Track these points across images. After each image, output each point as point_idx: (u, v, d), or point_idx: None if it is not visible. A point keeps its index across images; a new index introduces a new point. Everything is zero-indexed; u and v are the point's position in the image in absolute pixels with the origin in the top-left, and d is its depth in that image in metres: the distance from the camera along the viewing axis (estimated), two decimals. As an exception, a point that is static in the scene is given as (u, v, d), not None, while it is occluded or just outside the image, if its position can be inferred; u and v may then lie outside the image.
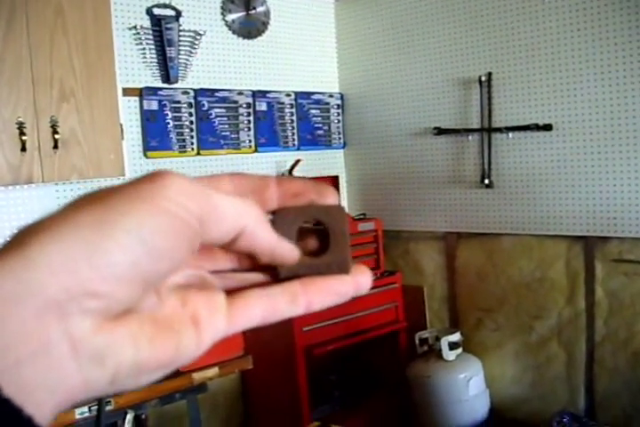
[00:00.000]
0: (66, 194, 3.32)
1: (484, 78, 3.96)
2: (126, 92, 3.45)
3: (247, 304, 0.41)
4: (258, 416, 4.07)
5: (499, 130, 3.94)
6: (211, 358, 2.92)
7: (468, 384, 3.91)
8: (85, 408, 2.55)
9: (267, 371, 3.69)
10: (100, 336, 0.34)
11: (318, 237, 0.45)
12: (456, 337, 4.02)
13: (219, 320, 0.40)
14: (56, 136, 2.84)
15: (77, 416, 2.54)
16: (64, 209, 0.35)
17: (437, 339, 4.02)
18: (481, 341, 4.19)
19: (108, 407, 2.58)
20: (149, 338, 0.37)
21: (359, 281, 0.44)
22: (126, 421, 2.66)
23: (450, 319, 4.35)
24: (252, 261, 0.44)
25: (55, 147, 2.84)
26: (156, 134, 3.67)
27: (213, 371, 2.91)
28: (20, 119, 2.77)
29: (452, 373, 3.92)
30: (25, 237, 0.34)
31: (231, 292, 0.42)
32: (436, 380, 3.90)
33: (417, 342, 4.10)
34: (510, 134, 3.90)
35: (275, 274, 0.43)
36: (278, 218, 0.43)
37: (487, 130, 3.99)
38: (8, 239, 0.34)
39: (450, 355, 3.96)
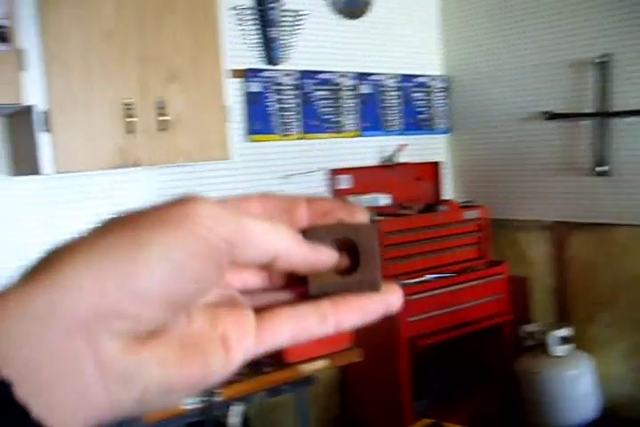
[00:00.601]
0: (172, 177, 3.25)
1: (600, 60, 3.74)
2: (229, 73, 3.36)
3: (276, 324, 0.41)
4: (356, 407, 3.96)
5: (616, 114, 3.72)
6: (319, 350, 2.81)
7: (578, 382, 3.72)
8: (193, 399, 2.46)
9: (367, 361, 3.56)
10: (127, 358, 0.35)
11: (348, 255, 0.44)
12: (566, 332, 3.83)
13: (248, 340, 0.40)
14: (163, 118, 2.76)
15: (185, 407, 2.46)
16: (96, 231, 0.36)
17: (544, 333, 3.83)
18: (592, 336, 3.98)
19: (217, 399, 2.49)
20: (177, 359, 0.37)
21: (389, 300, 0.44)
22: (234, 413, 2.57)
23: (557, 313, 4.15)
24: (281, 280, 0.44)
25: (162, 129, 2.76)
26: (258, 117, 3.58)
27: (322, 363, 2.79)
28: (127, 100, 2.69)
29: (561, 369, 3.73)
30: (57, 258, 0.34)
31: (260, 310, 0.42)
32: (546, 376, 3.72)
33: (523, 335, 3.92)
34: (629, 119, 3.68)
35: (304, 292, 0.43)
36: (308, 236, 0.42)
37: (603, 114, 3.77)
38: (40, 259, 0.35)
39: (559, 350, 3.77)
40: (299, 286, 0.43)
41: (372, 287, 0.43)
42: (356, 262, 0.44)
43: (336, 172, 3.88)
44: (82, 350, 0.33)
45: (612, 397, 3.91)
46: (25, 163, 2.76)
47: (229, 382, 2.55)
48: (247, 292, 0.43)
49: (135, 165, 2.71)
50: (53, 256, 0.35)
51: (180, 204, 0.37)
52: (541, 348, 3.83)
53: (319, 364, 2.78)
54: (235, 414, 2.58)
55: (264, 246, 0.39)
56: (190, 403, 2.46)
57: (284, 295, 0.44)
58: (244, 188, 3.50)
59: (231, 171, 3.44)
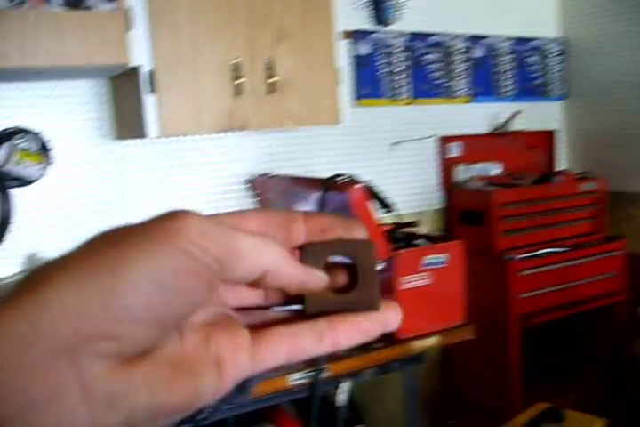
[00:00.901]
0: (278, 142, 3.14)
1: None
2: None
3: (272, 343, 0.40)
4: (459, 384, 3.82)
5: None
6: (431, 326, 2.66)
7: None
8: (299, 375, 2.36)
9: (474, 338, 3.41)
10: (112, 380, 0.34)
11: (346, 272, 0.44)
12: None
13: (242, 360, 0.39)
14: (272, 79, 2.63)
15: (291, 383, 2.36)
16: (79, 249, 0.35)
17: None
18: None
19: (324, 375, 2.38)
20: (166, 381, 0.35)
21: (388, 318, 0.43)
22: (342, 389, 2.46)
23: (678, 293, 3.90)
24: (277, 298, 0.43)
25: (270, 91, 2.64)
26: (367, 81, 3.41)
27: (433, 340, 2.65)
28: (235, 60, 2.57)
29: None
30: (39, 278, 0.34)
31: (255, 329, 0.41)
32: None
33: (642, 316, 3.70)
34: None
35: (301, 310, 0.42)
36: (305, 253, 0.42)
37: None
38: (23, 279, 0.34)
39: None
40: (295, 304, 0.43)
41: (370, 306, 0.43)
42: (354, 280, 0.43)
43: (446, 139, 3.70)
44: (65, 372, 0.33)
45: None
46: (130, 126, 2.68)
47: (338, 358, 2.44)
48: (243, 309, 0.43)
49: (242, 128, 2.60)
50: (38, 275, 0.34)
51: (169, 219, 0.36)
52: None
53: (431, 341, 2.64)
54: (342, 391, 2.46)
55: (253, 263, 0.38)
56: (296, 378, 2.36)
57: (281, 314, 0.43)
58: (352, 154, 3.36)
59: (337, 136, 3.30)
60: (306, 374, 2.36)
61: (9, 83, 2.65)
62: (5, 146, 2.65)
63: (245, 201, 3.08)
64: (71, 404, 0.33)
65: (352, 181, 2.43)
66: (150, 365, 0.35)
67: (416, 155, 3.58)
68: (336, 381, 2.47)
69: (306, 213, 0.43)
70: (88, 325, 0.33)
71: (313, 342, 0.41)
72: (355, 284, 0.43)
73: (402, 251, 2.58)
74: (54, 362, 0.32)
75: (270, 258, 0.38)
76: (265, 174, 2.99)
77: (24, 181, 2.69)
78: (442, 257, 2.65)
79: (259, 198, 3.08)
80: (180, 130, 2.56)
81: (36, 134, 2.70)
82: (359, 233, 0.43)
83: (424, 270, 2.60)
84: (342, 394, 2.46)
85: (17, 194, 2.67)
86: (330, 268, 0.43)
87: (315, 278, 0.41)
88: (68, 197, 2.76)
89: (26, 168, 2.64)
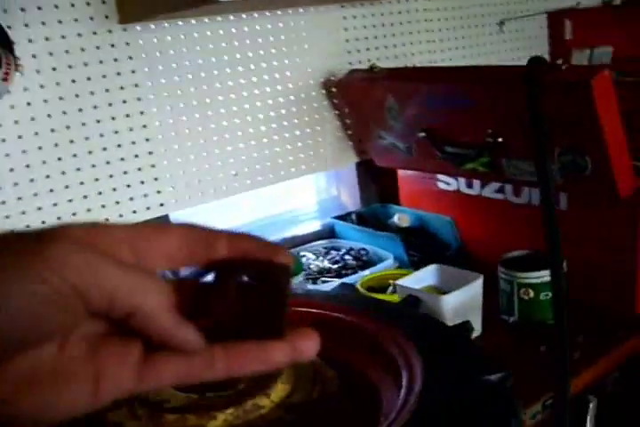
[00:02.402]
0: (365, 21, 2.02)
1: None
2: None
3: (161, 363, 0.38)
4: None
5: None
6: None
7: None
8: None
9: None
10: None
11: (257, 295, 0.41)
12: None
13: (125, 377, 0.38)
14: None
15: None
16: None
17: None
18: None
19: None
20: (12, 392, 0.34)
21: (297, 347, 0.40)
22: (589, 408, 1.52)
23: None
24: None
25: None
26: None
27: None
28: None
29: None
30: None
31: (152, 347, 0.38)
32: None
33: None
34: None
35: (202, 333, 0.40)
36: (220, 271, 0.41)
37: None
38: None
39: None
40: (199, 326, 0.39)
41: (274, 333, 0.41)
42: (262, 304, 0.40)
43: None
44: None
45: None
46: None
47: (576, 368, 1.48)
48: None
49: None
50: None
51: (44, 241, 0.34)
52: None
53: None
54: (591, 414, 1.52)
55: (121, 301, 0.35)
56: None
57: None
58: (451, 39, 2.26)
59: (435, 12, 2.19)
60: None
61: None
62: None
63: (323, 116, 1.97)
64: None
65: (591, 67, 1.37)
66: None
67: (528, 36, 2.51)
68: (582, 400, 1.52)
69: (230, 234, 0.41)
70: None
71: (203, 367, 0.38)
72: (263, 308, 0.40)
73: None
74: None
75: (141, 297, 0.36)
76: (365, 70, 1.85)
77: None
78: None
79: (349, 110, 1.96)
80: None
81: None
82: (283, 258, 0.41)
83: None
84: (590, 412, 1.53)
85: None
86: (241, 288, 0.40)
87: (188, 339, 0.37)
88: (43, 124, 1.60)
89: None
